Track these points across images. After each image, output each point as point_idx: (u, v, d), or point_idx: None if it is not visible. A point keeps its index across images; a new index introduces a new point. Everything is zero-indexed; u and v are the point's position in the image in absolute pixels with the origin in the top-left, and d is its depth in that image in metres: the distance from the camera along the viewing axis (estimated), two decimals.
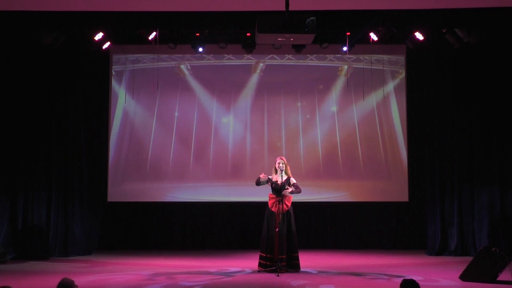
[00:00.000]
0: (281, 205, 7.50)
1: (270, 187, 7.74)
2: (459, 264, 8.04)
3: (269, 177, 7.75)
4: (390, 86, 10.07)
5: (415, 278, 4.49)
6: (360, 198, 10.02)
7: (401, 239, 10.09)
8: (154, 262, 8.68)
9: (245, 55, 9.95)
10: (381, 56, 9.95)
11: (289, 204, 7.63)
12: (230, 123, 10.10)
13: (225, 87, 10.13)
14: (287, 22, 6.32)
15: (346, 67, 10.02)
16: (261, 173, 7.72)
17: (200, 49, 9.68)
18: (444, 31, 9.19)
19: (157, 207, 10.13)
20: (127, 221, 10.09)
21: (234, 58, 10.14)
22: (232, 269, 7.97)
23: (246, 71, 10.13)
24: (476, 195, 9.36)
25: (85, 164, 9.56)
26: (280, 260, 7.42)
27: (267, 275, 7.38)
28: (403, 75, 10.06)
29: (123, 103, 9.97)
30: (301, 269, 7.66)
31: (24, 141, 9.31)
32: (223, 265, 8.34)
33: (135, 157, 10.01)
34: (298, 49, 9.71)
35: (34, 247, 9.06)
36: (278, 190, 7.62)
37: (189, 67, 10.12)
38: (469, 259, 7.65)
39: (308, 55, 10.09)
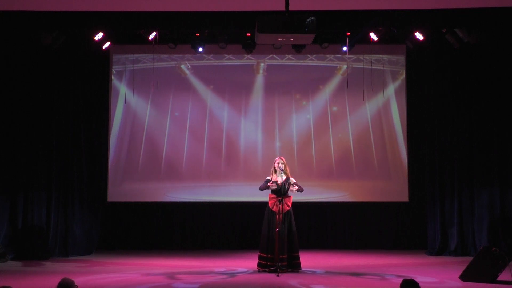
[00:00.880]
0: (281, 205, 7.50)
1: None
2: (459, 264, 8.05)
3: (268, 178, 7.74)
4: (390, 86, 10.07)
5: (415, 278, 4.49)
6: (360, 198, 10.02)
7: (401, 239, 10.09)
8: (154, 262, 8.68)
9: (245, 55, 9.95)
10: (381, 56, 9.95)
11: (290, 204, 7.63)
12: (229, 122, 10.11)
13: (226, 87, 10.12)
14: (287, 22, 6.32)
15: (345, 66, 10.02)
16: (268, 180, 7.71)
17: (200, 49, 9.68)
18: (444, 31, 9.19)
19: (157, 207, 10.13)
20: (127, 221, 10.09)
21: (234, 58, 10.14)
22: (232, 269, 7.96)
23: (247, 71, 10.12)
24: (476, 195, 9.36)
25: (85, 164, 9.56)
26: (281, 260, 7.41)
27: (267, 275, 7.38)
28: (403, 75, 10.06)
29: (123, 103, 9.97)
30: (301, 269, 7.66)
31: (24, 141, 9.31)
32: (223, 265, 8.34)
33: (135, 157, 10.01)
34: (298, 49, 9.71)
35: (34, 247, 9.06)
36: (278, 190, 7.62)
37: (189, 66, 10.12)
38: (469, 259, 7.66)
39: (308, 55, 10.09)
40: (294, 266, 7.61)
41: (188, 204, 10.11)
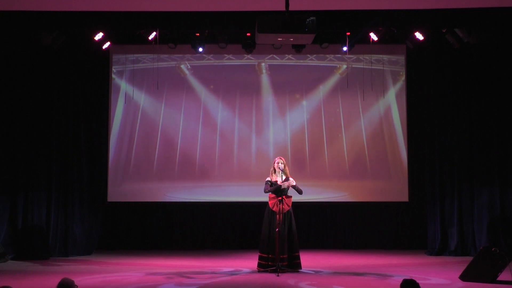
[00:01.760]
0: (281, 205, 7.50)
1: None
2: (459, 264, 8.04)
3: (268, 178, 7.74)
4: (390, 86, 10.07)
5: (415, 278, 4.49)
6: (360, 198, 10.02)
7: (401, 239, 10.09)
8: (154, 262, 8.68)
9: (245, 55, 9.95)
10: (381, 56, 9.95)
11: (290, 204, 7.63)
12: (229, 122, 10.12)
13: (227, 88, 10.13)
14: (287, 22, 6.32)
15: (345, 66, 10.02)
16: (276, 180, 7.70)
17: (200, 49, 9.68)
18: (444, 31, 9.19)
19: (157, 207, 10.13)
20: (127, 221, 10.09)
21: (234, 58, 10.14)
22: (232, 269, 7.96)
23: (247, 71, 10.11)
24: (476, 195, 9.36)
25: (85, 164, 9.56)
26: (281, 260, 7.41)
27: (267, 275, 7.37)
28: (403, 75, 10.06)
29: (123, 103, 9.97)
30: (302, 269, 7.66)
31: (24, 141, 9.31)
32: (223, 265, 8.34)
33: (135, 157, 10.01)
34: (298, 49, 9.71)
35: (34, 247, 9.06)
36: (278, 190, 7.61)
37: (189, 66, 10.12)
38: (469, 259, 7.66)
39: (308, 55, 10.09)
40: (294, 266, 7.61)
41: (188, 204, 10.11)
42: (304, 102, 10.15)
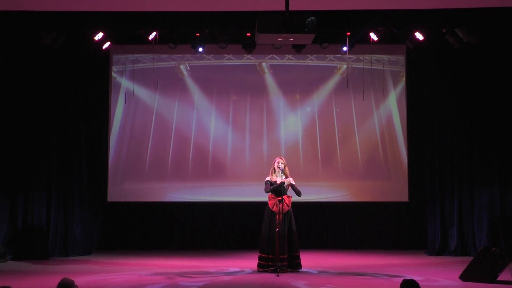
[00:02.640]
0: (281, 205, 7.50)
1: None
2: (459, 264, 8.04)
3: (267, 178, 7.73)
4: (390, 86, 10.07)
5: (415, 278, 4.49)
6: (360, 198, 10.02)
7: (401, 239, 10.09)
8: (154, 262, 8.68)
9: (245, 55, 9.95)
10: (381, 56, 9.95)
11: (290, 204, 7.63)
12: (229, 122, 10.12)
13: (228, 88, 10.13)
14: (287, 22, 6.33)
15: (345, 66, 10.01)
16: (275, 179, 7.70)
17: (200, 49, 9.68)
18: (444, 31, 9.19)
19: (157, 207, 10.13)
20: (127, 221, 10.09)
21: (234, 58, 10.14)
22: (232, 269, 7.97)
23: (247, 71, 10.11)
24: (476, 195, 9.36)
25: (85, 164, 9.56)
26: (281, 260, 7.41)
27: (267, 275, 7.37)
28: (403, 75, 10.06)
29: (123, 103, 9.97)
30: (302, 269, 7.65)
31: (24, 141, 9.31)
32: (223, 265, 8.34)
33: (135, 157, 10.01)
34: (298, 49, 9.71)
35: (34, 247, 9.06)
36: (278, 190, 7.61)
37: (188, 67, 10.12)
38: (469, 259, 7.65)
39: (308, 55, 10.09)
40: (294, 266, 7.61)
41: (188, 204, 10.11)
42: (304, 102, 10.13)
